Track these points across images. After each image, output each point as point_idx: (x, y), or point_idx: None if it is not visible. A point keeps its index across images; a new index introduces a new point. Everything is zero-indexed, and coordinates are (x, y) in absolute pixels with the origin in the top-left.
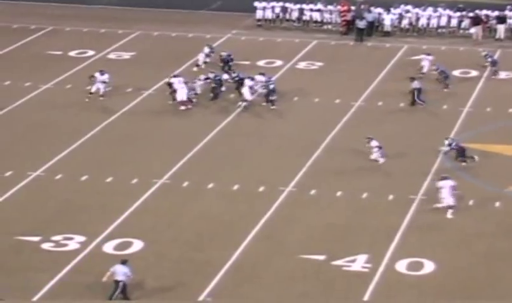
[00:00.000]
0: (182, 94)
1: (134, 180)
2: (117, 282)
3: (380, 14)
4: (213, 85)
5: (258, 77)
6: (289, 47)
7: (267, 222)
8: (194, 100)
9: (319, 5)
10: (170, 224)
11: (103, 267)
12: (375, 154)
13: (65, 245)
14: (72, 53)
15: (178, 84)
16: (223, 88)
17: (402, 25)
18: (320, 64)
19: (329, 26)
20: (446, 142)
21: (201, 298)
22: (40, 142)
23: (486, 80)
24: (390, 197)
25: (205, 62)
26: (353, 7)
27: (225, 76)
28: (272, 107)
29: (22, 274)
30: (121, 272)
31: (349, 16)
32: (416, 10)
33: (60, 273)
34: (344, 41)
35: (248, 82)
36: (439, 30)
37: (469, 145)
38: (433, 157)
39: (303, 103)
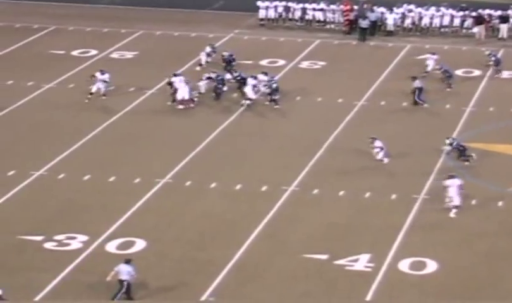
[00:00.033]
0: (183, 93)
1: (137, 180)
2: (121, 282)
3: (382, 13)
4: (215, 85)
5: (261, 77)
6: (292, 47)
7: (269, 222)
8: (196, 99)
9: (322, 5)
10: (172, 223)
11: (105, 266)
12: (380, 155)
13: (67, 244)
14: (75, 53)
15: (179, 83)
16: (225, 88)
17: (405, 25)
18: (322, 63)
19: (332, 26)
20: (447, 141)
21: (203, 297)
22: (43, 141)
23: (489, 79)
24: (393, 196)
25: (206, 62)
26: (355, 7)
27: (227, 76)
28: (276, 107)
29: (24, 274)
30: (125, 271)
31: (351, 16)
32: (419, 9)
33: (63, 272)
34: (346, 41)
35: (251, 81)
36: (442, 30)
37: (471, 144)
38: (436, 156)
39: (305, 102)
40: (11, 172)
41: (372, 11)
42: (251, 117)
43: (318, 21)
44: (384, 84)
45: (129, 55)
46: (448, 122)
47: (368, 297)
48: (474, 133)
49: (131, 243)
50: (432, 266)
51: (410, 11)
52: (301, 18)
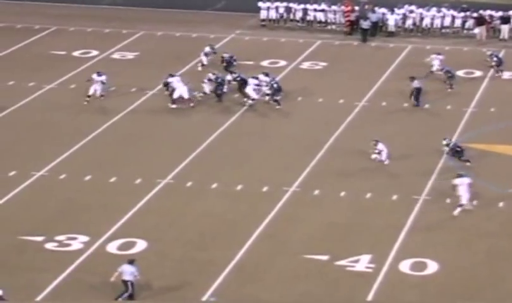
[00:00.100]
0: (181, 92)
1: (138, 180)
2: (125, 282)
3: (384, 14)
4: (215, 86)
5: (262, 77)
6: (293, 47)
7: (270, 222)
8: (200, 99)
9: (323, 6)
10: (173, 224)
11: (106, 267)
12: (381, 157)
13: (68, 245)
14: (76, 53)
15: (177, 83)
16: (225, 89)
17: (406, 25)
18: (324, 64)
19: (333, 26)
20: (444, 142)
21: (204, 297)
22: (44, 142)
23: (490, 80)
24: (394, 197)
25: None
26: (356, 8)
27: (228, 77)
28: (277, 107)
29: (25, 274)
30: (128, 271)
31: (352, 16)
32: (420, 10)
33: (64, 273)
34: (348, 42)
35: (252, 81)
36: (443, 30)
37: (473, 145)
38: (437, 157)
39: (306, 103)
40: (12, 173)
41: (373, 11)
42: (252, 117)
43: (320, 22)
44: (385, 85)
45: (130, 55)
46: (449, 122)
47: (369, 298)
48: (475, 134)
49: (132, 244)
50: (432, 266)
51: (411, 11)
52: (303, 19)
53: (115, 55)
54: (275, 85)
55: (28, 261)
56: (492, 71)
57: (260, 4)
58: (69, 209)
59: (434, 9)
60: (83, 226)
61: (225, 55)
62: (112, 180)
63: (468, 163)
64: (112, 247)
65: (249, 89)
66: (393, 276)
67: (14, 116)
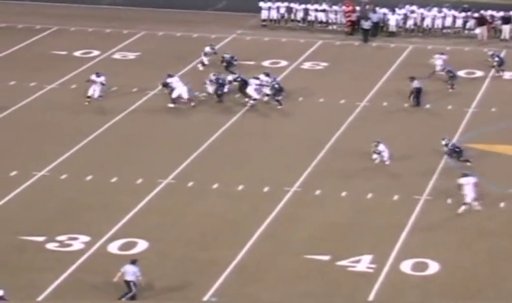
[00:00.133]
0: (180, 92)
1: (139, 180)
2: (127, 282)
3: (385, 14)
4: (216, 87)
5: (263, 77)
6: (294, 47)
7: (271, 222)
8: (203, 98)
9: (324, 6)
10: (175, 224)
11: (108, 267)
12: (384, 157)
13: (69, 245)
14: (77, 54)
15: (176, 82)
16: (226, 89)
17: (407, 25)
18: (325, 64)
19: (334, 27)
20: (443, 142)
21: (206, 297)
22: (45, 142)
23: (491, 80)
24: (395, 197)
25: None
26: (357, 8)
27: (230, 77)
28: (279, 107)
29: (26, 274)
30: (130, 272)
31: (354, 17)
32: (421, 10)
33: (65, 273)
34: (349, 42)
35: (253, 81)
36: (444, 31)
37: (474, 145)
38: (438, 157)
39: (308, 103)
40: (13, 173)
41: (374, 11)
42: (253, 117)
43: (321, 22)
44: (386, 85)
45: (131, 55)
46: (450, 122)
47: (370, 298)
48: (476, 134)
49: (133, 244)
50: (433, 266)
51: (412, 11)
52: (304, 19)
53: (116, 55)
54: (276, 85)
55: (29, 261)
56: (493, 70)
57: (261, 4)
58: (70, 209)
59: (435, 9)
60: (84, 226)
61: (226, 56)
62: (114, 180)
63: (468, 163)
64: (113, 247)
65: (250, 90)
66: (394, 276)
67: (15, 116)
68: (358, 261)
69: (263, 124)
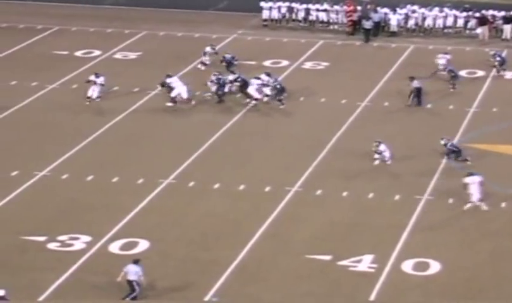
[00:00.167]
0: (179, 91)
1: (140, 180)
2: (130, 282)
3: (386, 14)
4: (217, 87)
5: (264, 77)
6: (295, 47)
7: (272, 222)
8: (209, 98)
9: (325, 6)
10: (176, 224)
11: (109, 267)
12: (385, 157)
13: (71, 245)
14: (78, 53)
15: (176, 82)
16: (226, 89)
17: (408, 25)
18: (326, 64)
19: (335, 26)
20: (442, 142)
21: (207, 297)
22: (46, 142)
23: (492, 80)
24: (396, 197)
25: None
26: (359, 8)
27: (231, 77)
28: (281, 106)
29: (27, 274)
30: (132, 271)
31: (355, 16)
32: (423, 10)
33: (66, 273)
34: (350, 42)
35: (255, 81)
36: (445, 30)
37: (475, 145)
38: (439, 157)
39: (309, 103)
40: (15, 172)
41: (376, 11)
42: (254, 117)
43: (322, 22)
44: (387, 85)
45: (132, 55)
46: (451, 122)
47: (372, 298)
48: (477, 134)
49: (135, 244)
50: (435, 266)
51: (413, 11)
52: (305, 19)
53: (118, 55)
54: (278, 86)
55: (30, 261)
56: (494, 70)
57: (262, 3)
58: (72, 209)
59: (436, 9)
60: (86, 226)
61: (227, 56)
62: (115, 180)
63: (467, 162)
64: (115, 247)
65: (251, 90)
66: (395, 276)
67: (16, 116)
68: (359, 261)
69: (264, 124)
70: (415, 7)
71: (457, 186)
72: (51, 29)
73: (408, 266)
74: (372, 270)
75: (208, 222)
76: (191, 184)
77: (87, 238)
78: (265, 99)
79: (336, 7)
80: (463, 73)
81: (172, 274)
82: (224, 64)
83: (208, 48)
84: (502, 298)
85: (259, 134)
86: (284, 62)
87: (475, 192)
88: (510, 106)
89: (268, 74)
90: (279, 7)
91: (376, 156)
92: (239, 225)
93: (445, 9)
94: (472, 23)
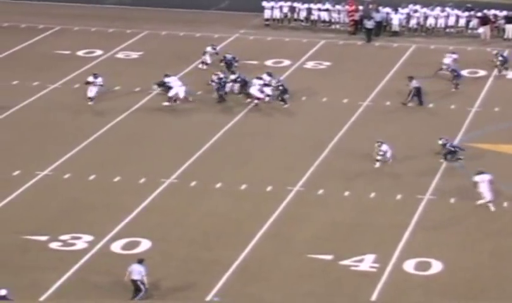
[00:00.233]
0: (177, 91)
1: (142, 180)
2: (134, 281)
3: (388, 13)
4: (217, 87)
5: (266, 77)
6: (297, 47)
7: (274, 222)
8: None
9: (327, 5)
10: (177, 223)
11: (111, 266)
12: (387, 157)
13: (73, 244)
14: (80, 53)
15: (174, 82)
16: (227, 88)
17: (410, 25)
18: (328, 63)
19: (337, 26)
20: (440, 142)
21: (208, 297)
22: (48, 141)
23: (494, 80)
24: (398, 196)
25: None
26: (360, 7)
27: (232, 76)
28: (285, 106)
29: (29, 274)
30: (136, 271)
31: (357, 16)
32: (424, 10)
33: (68, 272)
34: (352, 41)
35: (256, 81)
36: (447, 30)
37: (477, 145)
38: (441, 157)
39: (310, 102)
40: (16, 172)
41: (377, 11)
42: (256, 117)
43: (324, 22)
44: (389, 85)
45: (134, 55)
46: (453, 122)
47: (373, 297)
48: (479, 133)
49: (136, 243)
50: (436, 266)
51: (415, 11)
52: (307, 18)
53: (120, 55)
54: (281, 87)
55: (32, 261)
56: (496, 70)
57: (264, 3)
58: (73, 209)
59: (438, 8)
60: (87, 225)
61: (228, 56)
62: (116, 179)
63: (460, 161)
64: (117, 247)
65: (253, 90)
66: (397, 275)
67: (18, 115)
68: (361, 261)
69: (266, 124)
70: (417, 7)
71: (458, 186)
72: (53, 29)
73: (409, 266)
74: (374, 270)
75: (209, 222)
76: (193, 183)
77: (89, 238)
78: (267, 99)
79: (338, 6)
80: (464, 73)
81: (174, 274)
82: (222, 64)
83: (209, 48)
84: (503, 298)
85: (261, 134)
86: (286, 62)
87: (485, 191)
88: None
89: (269, 74)
90: (281, 7)
91: (378, 157)
92: (241, 225)
93: (447, 9)
94: (474, 22)
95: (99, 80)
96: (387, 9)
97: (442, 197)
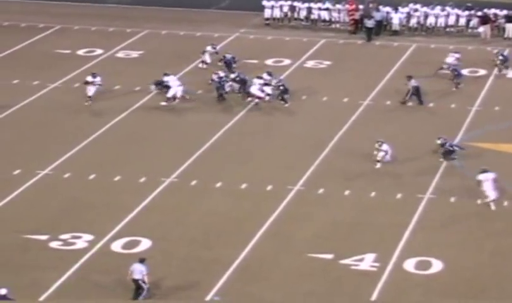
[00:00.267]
0: (175, 90)
1: (142, 179)
2: (135, 281)
3: (388, 13)
4: (217, 86)
5: (266, 77)
6: (298, 46)
7: (274, 221)
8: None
9: (327, 4)
10: (178, 222)
11: (111, 265)
12: (387, 157)
13: (73, 243)
14: (80, 52)
15: (173, 81)
16: (227, 88)
17: (410, 24)
18: (328, 62)
19: (337, 25)
20: (438, 142)
21: (209, 296)
22: (48, 141)
23: (494, 79)
24: (398, 196)
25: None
26: (361, 6)
27: (232, 76)
28: (286, 105)
29: (30, 273)
30: (137, 270)
31: (357, 15)
32: (425, 9)
33: (68, 271)
34: (352, 40)
35: (257, 81)
36: (447, 29)
37: (477, 144)
38: (440, 156)
39: (311, 102)
40: (17, 171)
41: (378, 10)
42: (256, 116)
43: (324, 21)
44: (389, 84)
45: (134, 54)
46: (453, 121)
47: (374, 297)
48: (479, 133)
49: (137, 243)
50: (437, 265)
51: (415, 10)
52: (307, 18)
53: (120, 54)
54: (281, 87)
55: (32, 260)
56: (497, 69)
57: (265, 2)
58: (74, 208)
59: (438, 7)
60: (88, 224)
61: (228, 56)
62: (117, 178)
63: (454, 160)
64: (117, 246)
65: (254, 89)
66: (397, 274)
67: (18, 115)
68: (361, 260)
69: (266, 123)
70: (417, 6)
71: (459, 185)
72: (53, 28)
73: (409, 265)
74: (374, 269)
75: (210, 221)
76: (193, 182)
77: (89, 237)
78: (267, 98)
79: (338, 6)
80: (465, 72)
81: (174, 273)
82: (220, 63)
83: (209, 48)
84: (503, 298)
85: (261, 133)
86: (286, 61)
87: (488, 190)
88: None
89: (270, 74)
90: (281, 6)
91: (378, 158)
92: (241, 224)
93: (447, 8)
94: (474, 21)
95: (98, 79)
96: (388, 8)
97: (443, 196)
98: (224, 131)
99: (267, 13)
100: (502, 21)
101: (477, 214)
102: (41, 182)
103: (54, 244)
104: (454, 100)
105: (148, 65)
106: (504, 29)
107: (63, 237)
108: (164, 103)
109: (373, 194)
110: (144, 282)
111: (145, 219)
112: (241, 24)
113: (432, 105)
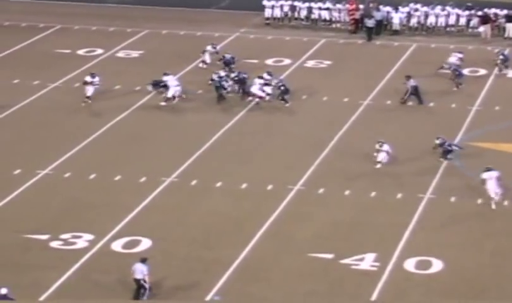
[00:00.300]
0: (175, 90)
1: (143, 179)
2: (137, 281)
3: (388, 12)
4: (217, 86)
5: (266, 76)
6: (298, 46)
7: (275, 220)
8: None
9: (328, 4)
10: (178, 222)
11: (111, 265)
12: (388, 156)
13: (73, 243)
14: (80, 52)
15: (172, 81)
16: (227, 88)
17: (410, 24)
18: (328, 62)
19: (338, 25)
20: (437, 141)
21: (209, 296)
22: (48, 140)
23: (495, 79)
24: (399, 195)
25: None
26: (361, 6)
27: (231, 75)
28: (287, 105)
29: (30, 273)
30: (139, 270)
31: (357, 15)
32: (425, 8)
33: (69, 271)
34: (352, 40)
35: (257, 80)
36: (448, 29)
37: (477, 144)
38: (439, 155)
39: (311, 101)
40: (17, 171)
41: (378, 10)
42: (256, 116)
43: (324, 20)
44: (390, 84)
45: (134, 54)
46: (454, 121)
47: (374, 296)
48: (480, 132)
49: (137, 242)
50: (437, 265)
51: (416, 10)
52: (307, 17)
53: (120, 54)
54: (282, 87)
55: (32, 260)
56: (497, 68)
57: (265, 2)
58: (74, 208)
59: (439, 7)
60: (88, 224)
61: (227, 56)
62: (117, 178)
63: (450, 160)
64: (117, 246)
65: (254, 89)
66: (398, 274)
67: (18, 114)
68: (361, 259)
69: (266, 123)
70: (418, 6)
71: (459, 185)
72: (53, 28)
73: (410, 265)
74: (374, 268)
75: (210, 221)
76: (194, 182)
77: (90, 237)
78: (267, 98)
79: (338, 5)
80: (465, 71)
81: (175, 273)
82: (219, 62)
83: (209, 47)
84: (504, 298)
85: (261, 133)
86: (286, 61)
87: (492, 188)
88: None
89: (270, 74)
90: (282, 6)
91: (379, 159)
92: (242, 224)
93: (448, 8)
94: (474, 21)
95: (96, 79)
96: (388, 8)
97: (443, 196)
98: (224, 131)
99: (267, 13)
100: (503, 20)
101: (477, 214)
102: (41, 182)
103: (55, 244)
104: (455, 99)
105: (149, 65)
106: (504, 29)
107: (63, 236)
108: (163, 104)
109: (373, 194)
110: (145, 282)
111: (145, 219)
112: (241, 24)
113: (432, 104)
